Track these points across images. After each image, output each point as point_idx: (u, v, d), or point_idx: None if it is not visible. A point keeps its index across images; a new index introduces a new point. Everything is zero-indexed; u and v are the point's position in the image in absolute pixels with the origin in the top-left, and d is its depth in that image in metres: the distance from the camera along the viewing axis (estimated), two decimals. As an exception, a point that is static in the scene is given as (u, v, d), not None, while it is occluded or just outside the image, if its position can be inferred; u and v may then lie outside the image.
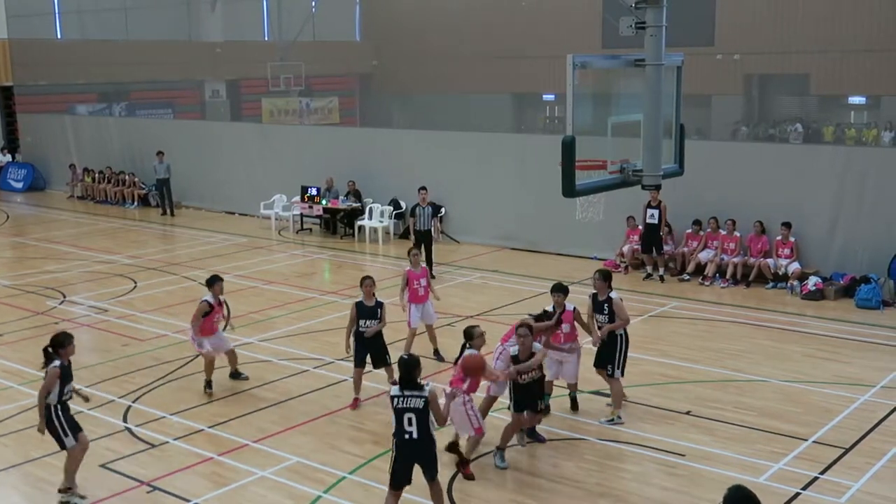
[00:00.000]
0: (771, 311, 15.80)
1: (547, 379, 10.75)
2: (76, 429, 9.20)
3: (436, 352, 13.29)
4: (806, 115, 38.50)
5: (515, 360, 9.74)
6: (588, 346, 11.41)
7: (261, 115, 41.02)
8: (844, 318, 15.32)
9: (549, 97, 43.17)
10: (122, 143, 30.39)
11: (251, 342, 14.37)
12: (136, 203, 28.63)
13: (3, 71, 34.72)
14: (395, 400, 8.03)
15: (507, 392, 10.09)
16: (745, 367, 12.88)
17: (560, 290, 10.93)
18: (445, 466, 9.66)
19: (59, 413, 9.05)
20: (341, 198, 23.29)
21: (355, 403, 11.55)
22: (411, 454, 8.09)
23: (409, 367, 8.08)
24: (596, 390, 11.64)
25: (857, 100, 38.03)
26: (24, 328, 15.47)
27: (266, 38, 45.55)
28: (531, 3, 40.53)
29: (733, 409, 11.33)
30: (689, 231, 18.34)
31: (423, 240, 18.19)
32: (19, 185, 33.01)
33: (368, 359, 11.57)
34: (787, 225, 17.15)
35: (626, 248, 18.77)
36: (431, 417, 8.04)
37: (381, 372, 11.75)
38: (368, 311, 11.49)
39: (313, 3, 43.49)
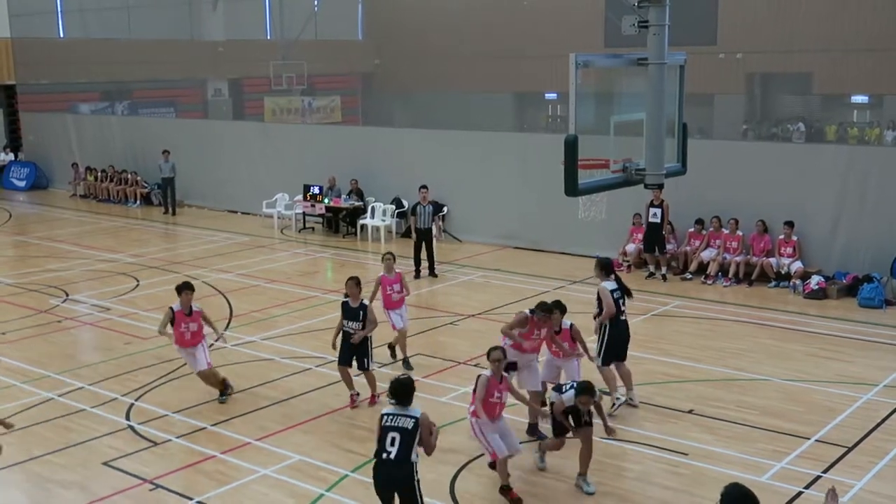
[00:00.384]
0: (773, 311, 15.79)
1: (543, 380, 10.68)
2: None
3: (405, 360, 12.98)
4: (808, 113, 38.43)
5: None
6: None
7: (263, 113, 40.97)
8: (847, 318, 15.31)
9: (551, 96, 43.11)
10: (124, 142, 30.41)
11: (253, 340, 14.38)
12: (138, 202, 28.65)
13: (6, 70, 34.73)
14: (386, 418, 7.68)
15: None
16: (748, 366, 12.88)
17: (558, 309, 10.49)
18: (448, 465, 9.67)
19: None
20: (343, 196, 23.29)
21: (353, 401, 11.55)
22: (387, 477, 7.59)
23: (407, 389, 7.76)
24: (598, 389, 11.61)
25: (859, 99, 37.95)
26: (26, 326, 15.48)
27: (268, 37, 45.51)
28: (533, 2, 40.46)
29: (736, 407, 11.33)
30: (692, 230, 18.33)
31: (424, 238, 18.24)
32: (22, 184, 33.04)
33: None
34: (790, 224, 17.13)
35: (629, 247, 18.76)
36: (416, 444, 7.63)
37: (386, 371, 11.75)
38: (352, 312, 11.39)
39: (315, 2, 43.46)
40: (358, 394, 11.65)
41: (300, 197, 23.96)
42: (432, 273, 18.42)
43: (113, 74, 37.54)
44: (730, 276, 17.50)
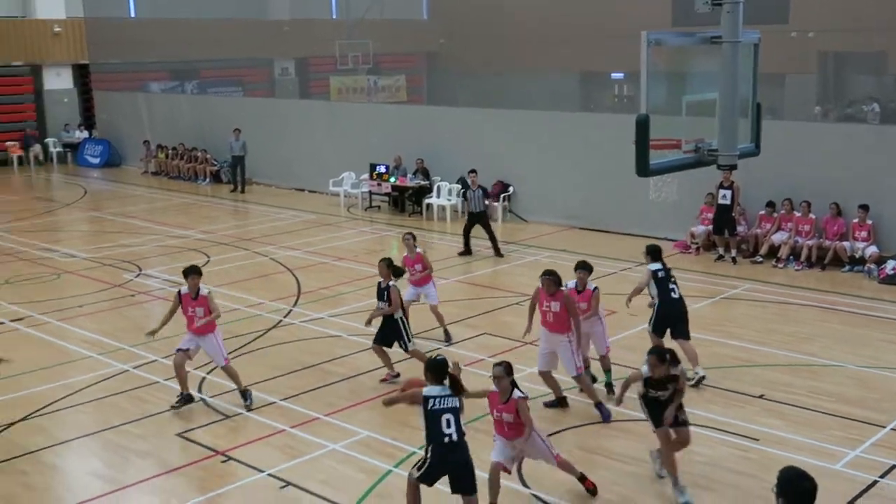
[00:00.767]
0: (846, 295, 15.47)
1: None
2: None
3: (445, 331, 13.32)
4: (883, 94, 37.38)
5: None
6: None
7: (329, 92, 41.25)
8: (923, 304, 14.95)
9: (617, 76, 42.63)
10: (193, 121, 30.92)
11: (321, 317, 14.56)
12: (208, 179, 29.13)
13: (80, 49, 35.51)
14: (432, 401, 7.59)
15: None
16: (819, 352, 12.66)
17: (583, 267, 11.07)
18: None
19: None
20: (409, 175, 23.38)
21: (387, 378, 11.70)
22: (453, 460, 7.58)
23: (443, 367, 7.77)
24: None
25: (936, 78, 36.83)
26: (101, 300, 15.89)
27: (334, 17, 45.78)
28: (600, -21, 39.99)
29: (807, 393, 11.16)
30: (763, 213, 18.02)
31: (478, 221, 18.54)
32: (96, 161, 33.81)
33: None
34: (865, 207, 16.74)
35: (698, 229, 18.50)
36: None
37: (463, 351, 11.84)
38: (380, 292, 11.61)
39: (381, -19, 43.49)
40: (397, 374, 11.73)
41: (366, 176, 24.12)
42: (498, 253, 18.45)
43: (182, 54, 38.12)
44: (802, 259, 17.19)
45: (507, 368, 8.24)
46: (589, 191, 20.80)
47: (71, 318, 14.85)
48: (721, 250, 17.93)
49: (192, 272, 11.12)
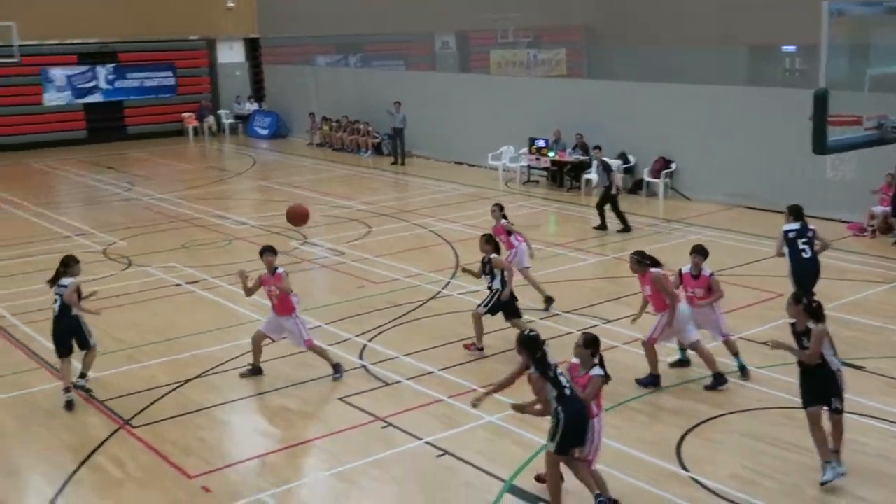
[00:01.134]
0: None
1: (694, 339, 10.71)
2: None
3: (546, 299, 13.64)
4: None
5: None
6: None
7: (489, 66, 41.30)
8: None
9: (788, 49, 40.75)
10: (356, 94, 31.62)
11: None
12: (369, 151, 29.78)
13: (251, 24, 36.94)
14: (563, 379, 7.87)
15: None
16: None
17: (698, 252, 10.87)
18: (674, 427, 9.53)
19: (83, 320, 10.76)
20: (568, 150, 23.18)
21: (470, 347, 11.98)
22: (584, 423, 7.83)
23: (540, 343, 8.00)
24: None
25: None
26: (269, 266, 16.52)
27: (496, -10, 45.74)
28: (772, -53, 38.24)
29: None
30: (948, 194, 16.91)
31: (602, 196, 18.72)
32: (265, 132, 35.14)
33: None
34: None
35: (876, 210, 17.52)
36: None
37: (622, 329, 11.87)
38: (482, 265, 12.07)
39: (542, -46, 43.05)
40: (482, 348, 11.93)
41: (525, 150, 24.07)
42: (625, 226, 18.39)
43: (347, 28, 38.99)
44: None
45: (587, 340, 8.09)
46: (757, 169, 20.02)
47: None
48: (900, 233, 16.97)
49: (266, 251, 11.14)
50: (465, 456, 9.19)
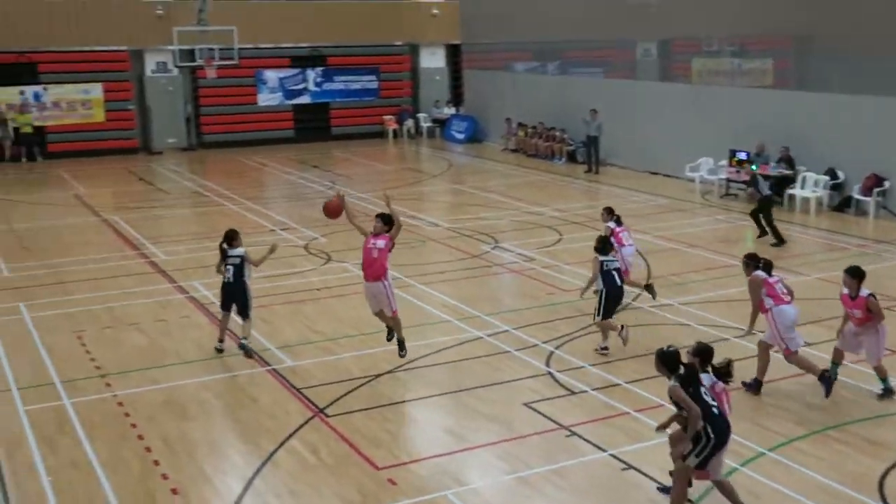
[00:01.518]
0: None
1: (838, 347, 10.82)
2: None
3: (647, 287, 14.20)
4: None
5: None
6: None
7: (690, 75, 40.29)
8: None
9: None
10: (553, 101, 31.64)
11: (670, 304, 14.36)
12: (563, 159, 29.72)
13: (453, 30, 37.72)
14: (704, 388, 8.03)
15: None
16: None
17: (851, 273, 10.63)
18: (878, 460, 8.99)
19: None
20: (772, 164, 22.27)
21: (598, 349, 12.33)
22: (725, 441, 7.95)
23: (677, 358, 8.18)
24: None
25: None
26: (460, 269, 16.85)
27: (700, -3, 44.53)
28: None
29: None
30: None
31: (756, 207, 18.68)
32: (461, 136, 35.75)
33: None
34: None
35: None
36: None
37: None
38: None
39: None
40: (606, 347, 12.25)
41: (725, 162, 23.33)
42: (779, 240, 18.15)
43: (546, 34, 39.08)
44: None
45: (697, 349, 8.53)
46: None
47: (433, 282, 15.90)
48: None
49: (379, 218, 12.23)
50: (649, 471, 9.03)
